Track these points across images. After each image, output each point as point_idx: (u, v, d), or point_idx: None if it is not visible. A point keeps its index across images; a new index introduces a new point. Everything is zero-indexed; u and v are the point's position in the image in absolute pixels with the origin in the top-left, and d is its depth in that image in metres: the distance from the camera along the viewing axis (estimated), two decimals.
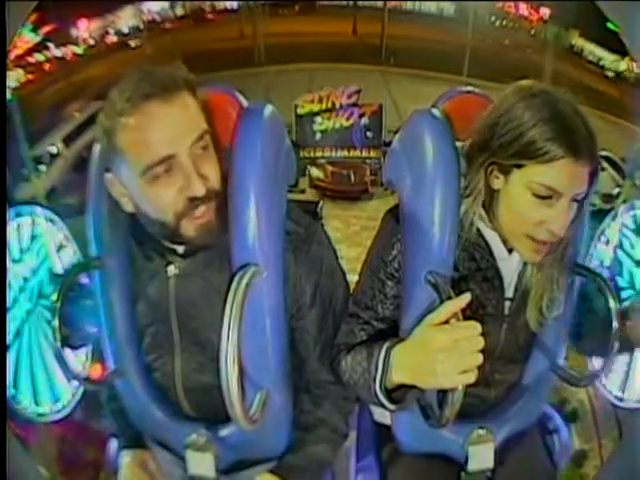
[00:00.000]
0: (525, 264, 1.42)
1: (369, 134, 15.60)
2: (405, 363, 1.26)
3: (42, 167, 13.20)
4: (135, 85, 1.21)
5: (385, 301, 1.43)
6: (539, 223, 1.27)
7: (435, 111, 1.44)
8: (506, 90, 1.32)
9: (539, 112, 1.23)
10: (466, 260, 1.40)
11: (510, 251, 1.41)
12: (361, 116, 15.62)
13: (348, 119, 15.59)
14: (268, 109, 1.40)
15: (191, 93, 1.26)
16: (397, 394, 1.31)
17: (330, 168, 13.97)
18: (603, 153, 14.04)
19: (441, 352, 1.15)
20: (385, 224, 1.48)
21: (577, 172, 1.22)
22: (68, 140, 14.00)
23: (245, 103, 1.45)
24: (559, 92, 1.26)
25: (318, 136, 15.59)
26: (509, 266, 1.42)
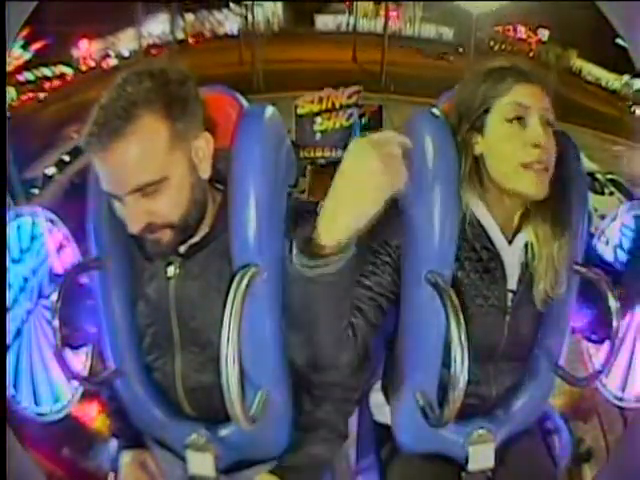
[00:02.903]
0: (526, 253, 1.43)
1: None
2: None
3: (35, 190, 13.05)
4: (93, 119, 1.20)
5: (376, 271, 1.42)
6: (524, 145, 1.33)
7: (435, 111, 1.45)
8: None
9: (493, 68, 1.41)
10: (466, 251, 1.40)
11: (510, 242, 1.42)
12: (361, 116, 15.56)
13: (348, 119, 15.50)
14: (268, 110, 1.40)
15: (159, 117, 1.23)
16: None
17: None
18: (609, 176, 14.07)
19: None
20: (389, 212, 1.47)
21: (534, 90, 1.37)
22: (62, 164, 13.89)
23: (245, 104, 1.45)
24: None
25: (318, 136, 15.49)
26: (510, 256, 1.43)
